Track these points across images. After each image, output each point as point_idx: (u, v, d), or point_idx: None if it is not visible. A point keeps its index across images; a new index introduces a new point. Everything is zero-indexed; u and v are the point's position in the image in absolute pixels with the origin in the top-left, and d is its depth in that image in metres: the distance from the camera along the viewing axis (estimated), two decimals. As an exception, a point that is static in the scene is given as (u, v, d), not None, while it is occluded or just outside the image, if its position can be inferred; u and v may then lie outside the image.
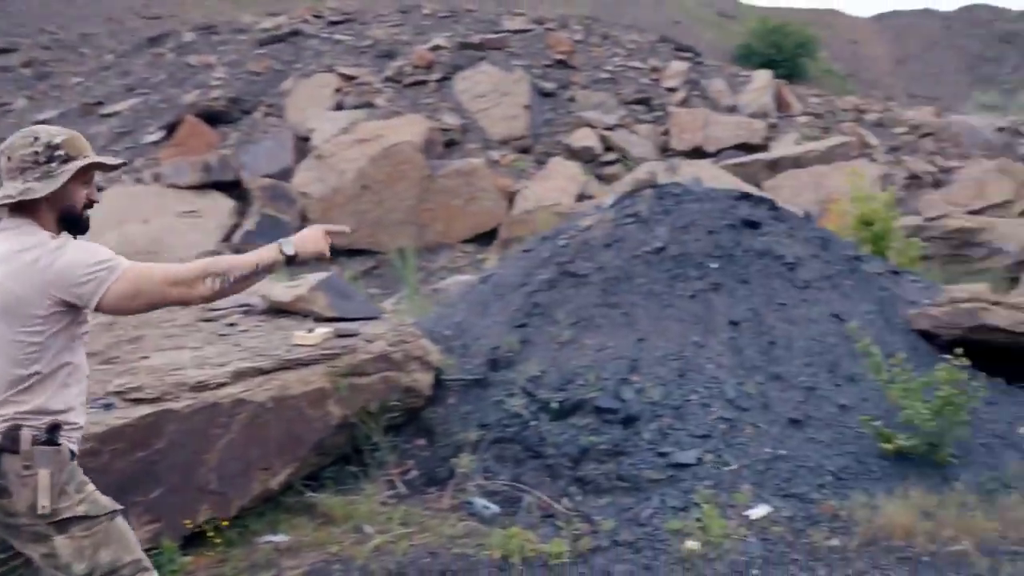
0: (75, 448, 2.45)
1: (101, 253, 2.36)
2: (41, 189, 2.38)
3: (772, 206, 6.72)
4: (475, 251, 12.81)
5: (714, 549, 4.01)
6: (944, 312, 5.58)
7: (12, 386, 2.35)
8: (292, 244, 2.49)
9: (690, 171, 11.62)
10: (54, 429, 2.37)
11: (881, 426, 4.67)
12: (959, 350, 4.63)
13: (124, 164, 2.84)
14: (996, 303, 5.43)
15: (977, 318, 5.39)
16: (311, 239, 2.54)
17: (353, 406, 4.73)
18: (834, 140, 13.77)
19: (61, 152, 2.42)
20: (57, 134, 2.46)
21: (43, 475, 2.32)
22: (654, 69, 17.32)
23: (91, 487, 2.47)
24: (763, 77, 17.25)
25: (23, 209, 2.41)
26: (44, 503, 2.31)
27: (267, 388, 4.38)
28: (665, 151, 15.05)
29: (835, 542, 4.02)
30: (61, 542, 2.35)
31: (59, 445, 2.38)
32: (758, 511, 4.26)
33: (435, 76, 16.39)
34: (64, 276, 2.31)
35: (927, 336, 5.69)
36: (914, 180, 15.26)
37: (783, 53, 29.27)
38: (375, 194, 13.02)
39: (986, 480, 4.44)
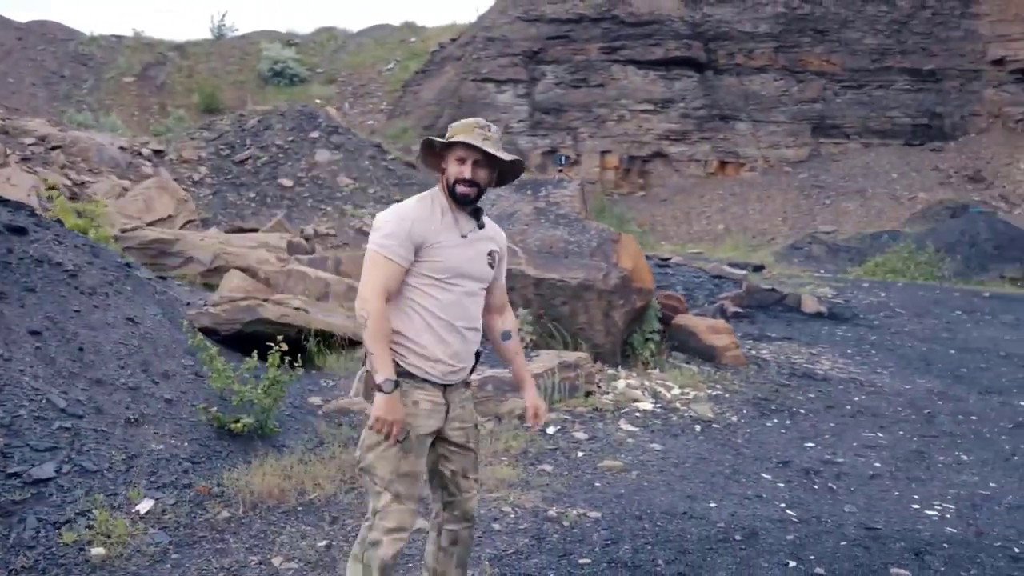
0: (413, 371, 2.86)
1: (386, 219, 2.85)
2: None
3: (31, 212, 6.46)
4: None
5: (124, 548, 4.04)
6: (224, 310, 6.36)
7: None
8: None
9: None
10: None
11: (216, 412, 5.22)
12: (280, 338, 5.48)
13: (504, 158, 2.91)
14: (266, 300, 6.45)
15: (255, 312, 6.33)
16: None
17: None
18: (-21, 145, 12.84)
19: (449, 131, 2.87)
20: (464, 120, 2.89)
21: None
22: None
23: (410, 411, 2.83)
24: None
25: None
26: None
27: None
28: None
29: (227, 513, 4.47)
30: (365, 431, 2.87)
31: None
32: (144, 505, 4.40)
33: None
34: None
35: (208, 332, 6.38)
36: (52, 191, 15.29)
37: None
38: None
39: (307, 440, 5.41)
